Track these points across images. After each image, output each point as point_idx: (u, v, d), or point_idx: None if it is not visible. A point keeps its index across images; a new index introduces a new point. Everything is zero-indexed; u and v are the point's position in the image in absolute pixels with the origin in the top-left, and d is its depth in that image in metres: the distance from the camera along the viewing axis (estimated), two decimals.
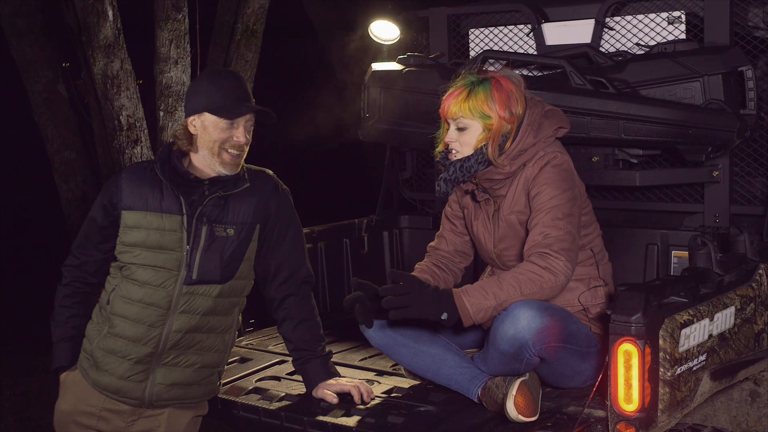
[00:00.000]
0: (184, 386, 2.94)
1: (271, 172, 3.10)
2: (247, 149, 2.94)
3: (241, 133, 2.88)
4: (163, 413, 2.95)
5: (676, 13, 3.92)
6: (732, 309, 3.07)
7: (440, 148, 3.20)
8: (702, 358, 2.91)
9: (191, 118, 2.90)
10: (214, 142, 2.87)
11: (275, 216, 3.04)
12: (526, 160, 3.08)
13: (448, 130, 3.14)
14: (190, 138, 2.91)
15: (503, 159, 3.06)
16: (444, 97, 3.13)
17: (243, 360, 3.55)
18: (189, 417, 3.01)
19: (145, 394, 2.90)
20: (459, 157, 3.10)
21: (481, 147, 3.07)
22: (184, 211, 2.89)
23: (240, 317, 3.08)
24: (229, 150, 2.88)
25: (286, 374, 3.35)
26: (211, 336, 2.96)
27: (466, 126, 3.07)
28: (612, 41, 4.08)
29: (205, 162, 2.90)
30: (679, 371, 2.79)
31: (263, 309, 3.71)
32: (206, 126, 2.88)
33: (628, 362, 2.65)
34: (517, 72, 3.35)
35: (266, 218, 3.02)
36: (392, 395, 3.12)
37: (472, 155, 3.08)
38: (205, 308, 2.91)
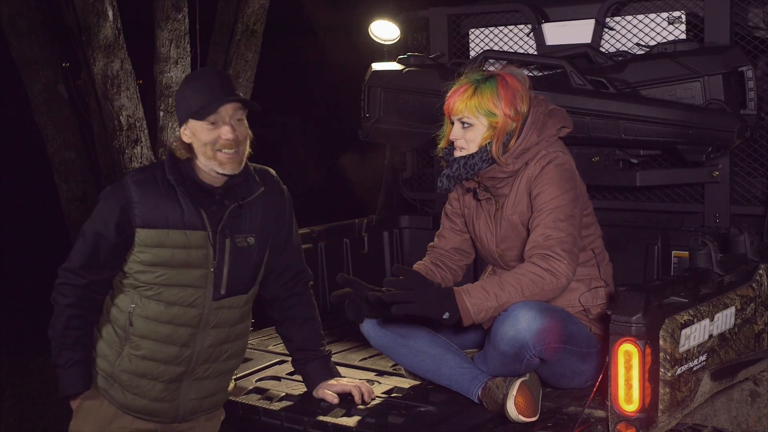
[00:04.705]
0: (212, 395, 2.91)
1: (273, 171, 3.02)
2: (244, 146, 2.79)
3: (227, 130, 2.73)
4: (194, 428, 2.91)
5: (676, 13, 3.92)
6: (732, 309, 3.07)
7: (443, 144, 3.19)
8: (702, 358, 2.91)
9: (182, 127, 2.79)
10: (205, 146, 2.74)
11: (282, 216, 3.00)
12: (528, 159, 3.07)
13: (452, 127, 3.13)
14: (188, 147, 2.79)
15: (507, 157, 3.05)
16: (449, 94, 3.12)
17: (243, 360, 3.54)
18: (216, 426, 2.98)
19: (180, 411, 2.84)
20: (464, 154, 3.10)
21: (486, 145, 3.06)
22: (208, 227, 2.78)
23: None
24: (223, 150, 2.74)
25: (286, 374, 3.35)
26: (236, 343, 2.92)
27: (472, 123, 3.07)
28: (612, 41, 4.09)
29: (206, 167, 2.78)
30: (679, 371, 2.79)
31: (263, 309, 3.70)
32: (195, 132, 2.75)
33: (628, 362, 2.65)
34: None
35: (278, 220, 2.97)
36: (392, 395, 3.12)
37: (476, 153, 3.07)
38: (233, 320, 2.86)
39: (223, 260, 2.79)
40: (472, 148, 3.08)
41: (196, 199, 2.77)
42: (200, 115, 2.72)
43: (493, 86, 3.04)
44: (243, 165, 2.80)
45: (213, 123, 2.73)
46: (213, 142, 2.73)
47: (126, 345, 2.79)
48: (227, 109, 2.74)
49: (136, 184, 2.76)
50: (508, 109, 3.03)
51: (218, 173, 2.78)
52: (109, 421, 2.83)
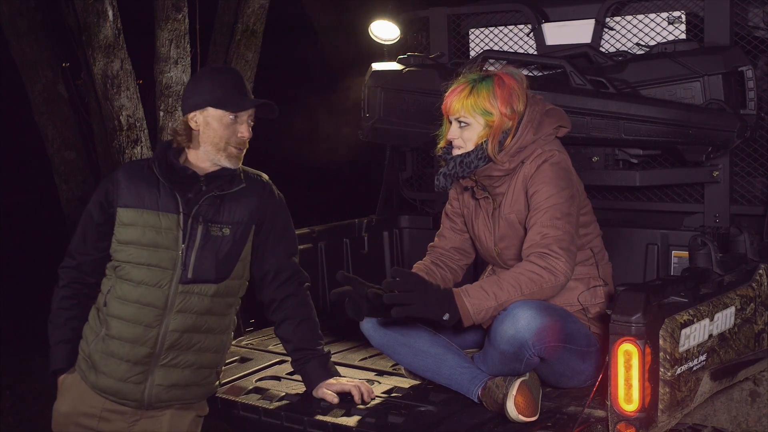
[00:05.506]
0: (182, 387, 2.94)
1: (266, 176, 3.11)
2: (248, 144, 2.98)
3: (244, 128, 2.93)
4: (165, 414, 2.95)
5: (676, 13, 3.92)
6: (732, 309, 3.07)
7: (442, 144, 3.21)
8: (702, 358, 2.91)
9: (192, 114, 2.92)
10: (220, 138, 2.90)
11: (272, 218, 3.06)
12: (524, 157, 3.08)
13: (450, 126, 3.14)
14: (190, 134, 2.93)
15: (503, 156, 3.07)
16: (446, 94, 3.14)
17: (243, 360, 3.55)
18: (191, 417, 3.01)
19: (144, 395, 2.90)
20: (461, 152, 3.11)
21: (482, 143, 3.07)
22: (181, 210, 2.90)
23: (235, 317, 3.09)
24: (236, 146, 2.93)
25: (286, 374, 3.34)
26: (210, 336, 2.96)
27: (468, 122, 3.08)
28: (612, 41, 4.08)
29: (207, 157, 2.93)
30: (679, 371, 2.79)
31: (263, 309, 3.69)
32: (209, 121, 2.90)
33: (628, 362, 2.66)
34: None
35: (262, 220, 3.03)
36: (392, 395, 3.12)
37: (472, 151, 3.09)
38: (201, 308, 2.91)
39: (193, 245, 2.89)
40: (469, 147, 3.09)
41: (174, 184, 2.91)
42: (230, 107, 2.89)
43: (489, 85, 3.06)
44: (240, 162, 2.99)
45: (235, 117, 2.90)
46: (229, 136, 2.91)
47: (103, 326, 2.91)
48: (249, 110, 2.93)
49: (125, 169, 2.97)
50: (504, 107, 3.04)
51: (221, 164, 2.93)
52: (83, 400, 2.94)
